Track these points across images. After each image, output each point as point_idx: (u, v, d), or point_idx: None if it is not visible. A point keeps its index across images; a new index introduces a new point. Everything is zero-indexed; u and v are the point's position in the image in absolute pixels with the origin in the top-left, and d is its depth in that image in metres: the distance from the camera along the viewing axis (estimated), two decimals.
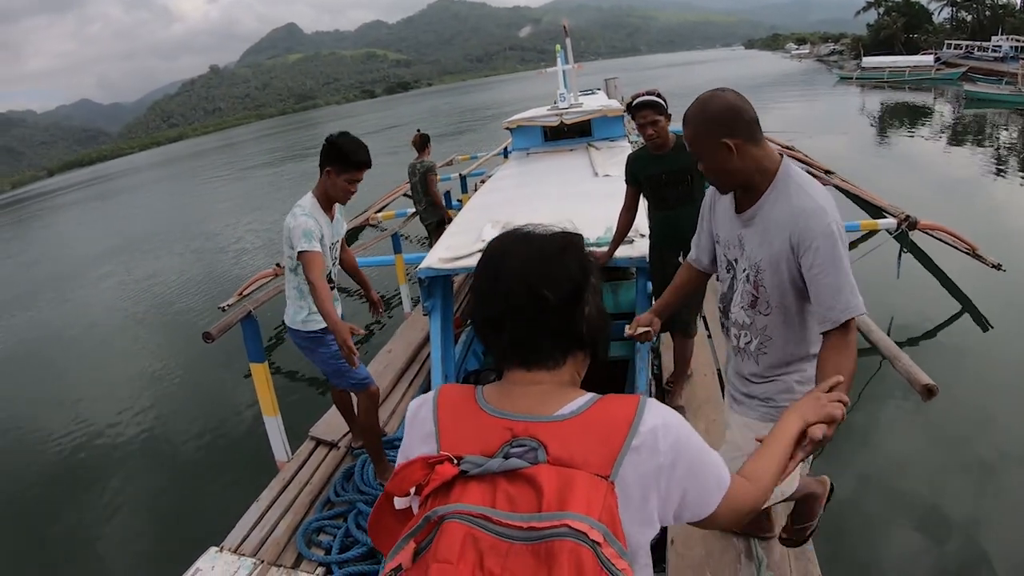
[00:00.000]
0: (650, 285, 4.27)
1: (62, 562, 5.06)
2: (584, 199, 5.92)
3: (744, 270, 2.15)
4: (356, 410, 3.97)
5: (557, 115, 9.61)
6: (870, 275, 7.19)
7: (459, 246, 4.67)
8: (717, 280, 2.41)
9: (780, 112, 26.20)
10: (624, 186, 4.21)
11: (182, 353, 9.24)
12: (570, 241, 1.23)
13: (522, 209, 5.68)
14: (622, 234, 4.18)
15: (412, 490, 1.10)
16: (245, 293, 8.80)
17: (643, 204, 4.20)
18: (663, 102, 3.93)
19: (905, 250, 7.74)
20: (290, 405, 5.71)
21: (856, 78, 41.12)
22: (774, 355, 2.19)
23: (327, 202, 3.51)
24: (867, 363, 5.61)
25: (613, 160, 7.36)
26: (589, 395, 1.17)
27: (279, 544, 3.59)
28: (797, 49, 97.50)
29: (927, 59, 41.79)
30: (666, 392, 4.66)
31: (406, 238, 10.94)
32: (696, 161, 2.07)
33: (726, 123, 1.95)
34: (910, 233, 7.64)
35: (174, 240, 19.60)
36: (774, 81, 45.77)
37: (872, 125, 23.46)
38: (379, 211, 13.19)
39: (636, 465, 1.08)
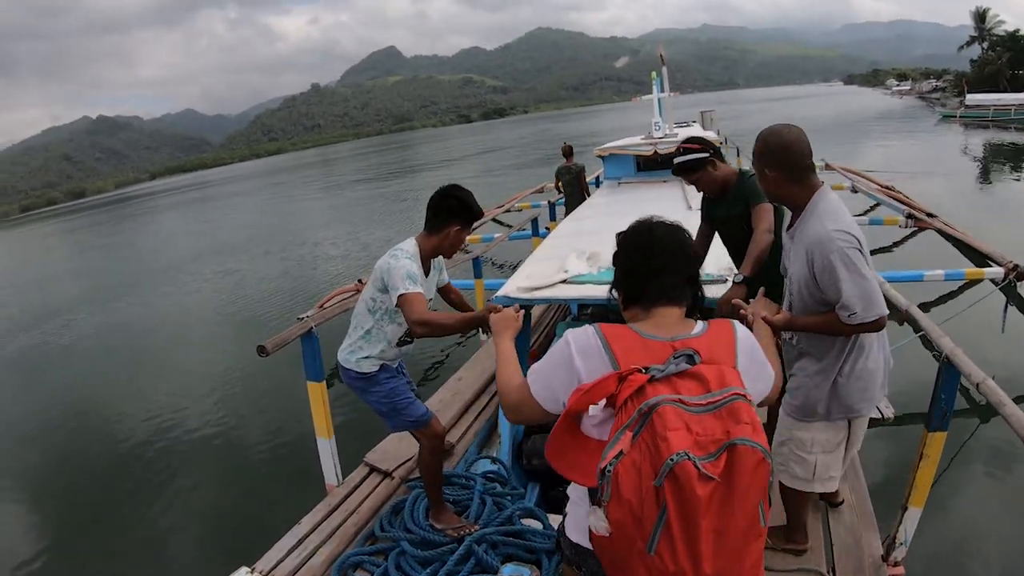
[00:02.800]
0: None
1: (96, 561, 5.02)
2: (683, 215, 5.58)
3: (789, 277, 2.61)
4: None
5: (651, 144, 9.31)
6: (973, 327, 6.69)
7: (540, 275, 4.40)
8: None
9: (880, 150, 25.25)
10: None
11: (251, 361, 9.18)
12: (683, 226, 1.88)
13: (609, 239, 5.34)
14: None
15: (603, 401, 1.57)
16: (326, 306, 8.64)
17: None
18: (697, 157, 3.64)
19: (1012, 303, 7.12)
20: (347, 425, 5.51)
21: (960, 116, 39.50)
22: (808, 357, 2.62)
23: (431, 255, 3.29)
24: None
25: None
26: (702, 321, 1.78)
27: (313, 574, 3.34)
28: (898, 86, 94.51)
29: None
30: None
31: (489, 263, 10.75)
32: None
33: (772, 156, 2.47)
34: (1018, 284, 6.98)
35: (267, 247, 20.15)
36: (874, 118, 44.52)
37: (976, 166, 22.32)
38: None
39: (742, 358, 1.72)
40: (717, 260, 4.16)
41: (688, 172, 3.69)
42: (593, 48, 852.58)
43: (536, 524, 3.54)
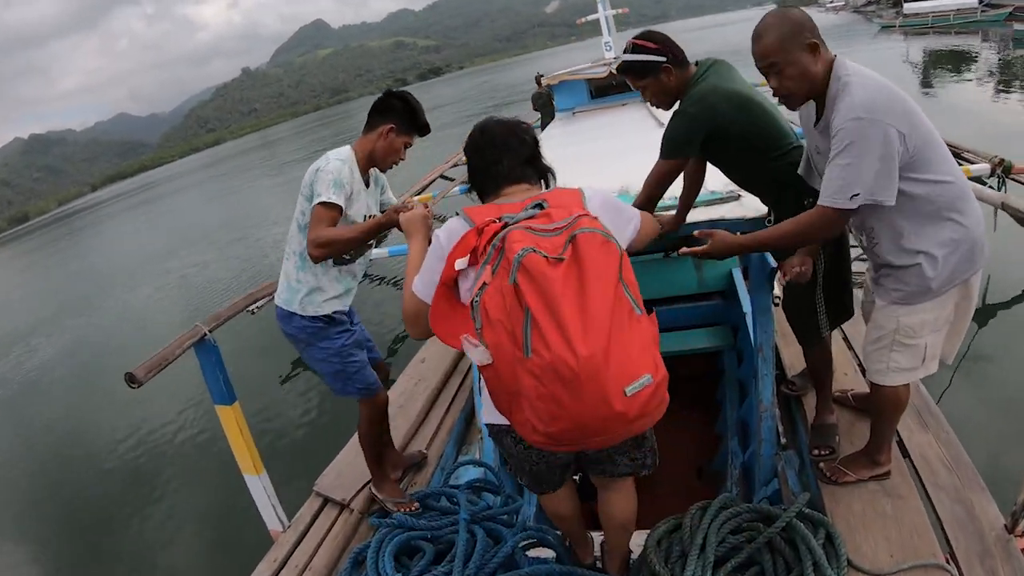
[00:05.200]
0: (770, 256, 2.97)
1: None
2: (652, 152, 4.65)
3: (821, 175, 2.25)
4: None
5: (605, 65, 8.42)
6: None
7: None
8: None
9: None
10: None
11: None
12: (519, 119, 2.14)
13: (577, 170, 4.46)
14: (691, 190, 3.02)
15: (468, 257, 1.73)
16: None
17: None
18: (648, 59, 2.63)
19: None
20: (287, 438, 4.52)
21: (899, 25, 39.12)
22: (886, 242, 2.27)
23: (367, 163, 2.85)
24: None
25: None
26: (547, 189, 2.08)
27: None
28: (832, 2, 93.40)
29: (972, 1, 39.34)
30: (793, 402, 3.42)
31: (439, 221, 9.78)
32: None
33: (809, 27, 2.12)
34: (1006, 179, 6.20)
35: (218, 241, 19.73)
36: None
37: (918, 73, 21.91)
38: (417, 194, 12.07)
39: (592, 203, 1.90)
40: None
41: (634, 75, 2.70)
42: None
43: (547, 553, 2.70)
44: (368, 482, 3.22)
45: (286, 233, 2.86)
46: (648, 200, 2.80)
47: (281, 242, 3.02)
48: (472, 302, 1.66)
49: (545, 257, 1.59)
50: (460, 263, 1.73)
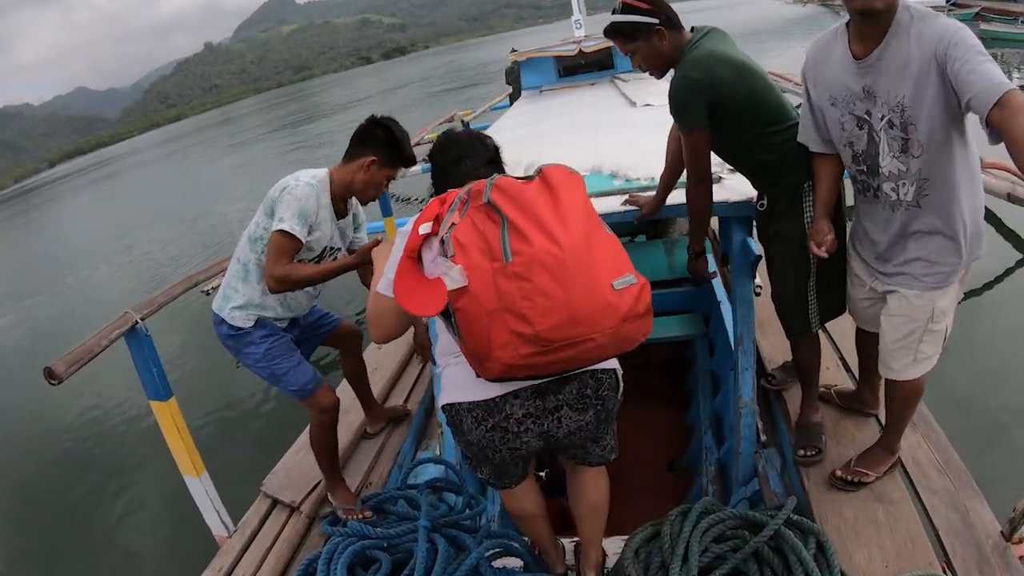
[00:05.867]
0: (754, 243, 2.75)
1: None
2: (627, 131, 4.50)
3: (883, 117, 2.07)
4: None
5: (574, 43, 8.20)
6: None
7: None
8: (844, 146, 2.25)
9: (783, 60, 24.69)
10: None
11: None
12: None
13: (547, 146, 4.27)
14: (673, 171, 2.73)
15: (431, 223, 1.73)
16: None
17: None
18: (640, 20, 2.37)
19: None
20: (233, 433, 4.21)
21: None
22: (935, 197, 2.09)
23: (344, 192, 2.68)
24: None
25: (650, 90, 5.86)
26: None
27: None
28: None
29: (939, 0, 39.87)
30: (773, 397, 3.25)
31: (397, 198, 9.46)
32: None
33: None
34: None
35: (180, 218, 19.17)
36: (775, 28, 42.64)
37: None
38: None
39: None
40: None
41: (624, 38, 2.43)
42: None
43: (514, 563, 2.51)
44: (319, 482, 3.00)
45: (253, 210, 2.63)
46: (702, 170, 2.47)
47: (247, 217, 2.77)
48: (442, 239, 1.66)
49: (516, 178, 1.75)
50: (424, 227, 1.73)
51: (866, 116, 2.13)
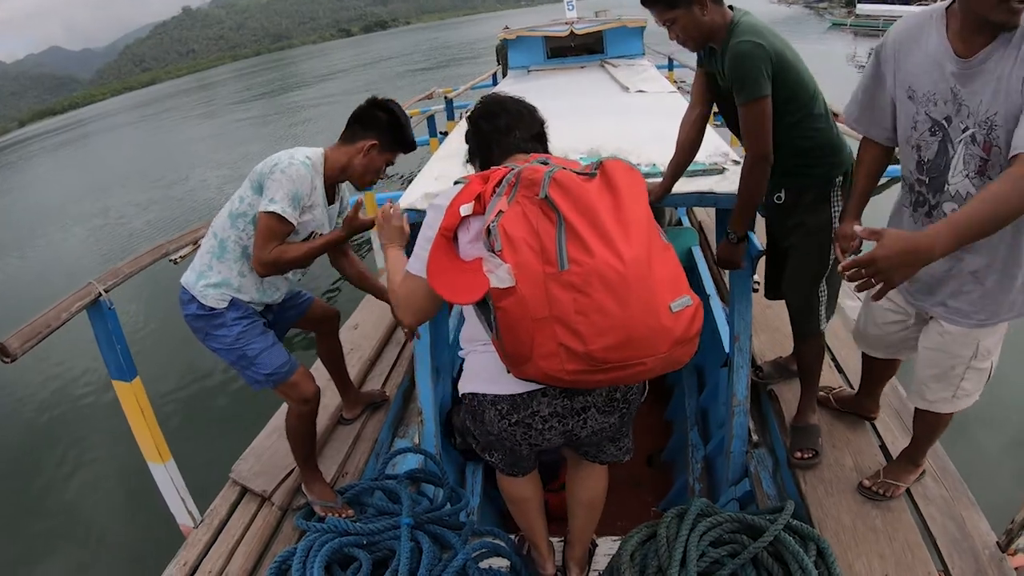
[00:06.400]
0: (755, 238, 2.64)
1: None
2: (622, 116, 4.41)
3: (966, 130, 1.78)
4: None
5: (566, 25, 8.07)
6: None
7: (450, 174, 3.07)
8: (912, 147, 1.98)
9: None
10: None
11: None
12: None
13: None
14: (685, 157, 2.60)
15: (472, 203, 1.59)
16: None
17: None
18: None
19: None
20: (212, 422, 4.03)
21: (850, 25, 38.76)
22: (1000, 231, 1.64)
23: (337, 175, 2.54)
24: None
25: (641, 76, 5.85)
26: None
27: None
28: None
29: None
30: (764, 396, 3.16)
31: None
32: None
33: None
34: None
35: (153, 182, 18.62)
36: None
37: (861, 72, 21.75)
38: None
39: None
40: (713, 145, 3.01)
41: (663, 6, 2.25)
42: None
43: (502, 563, 2.40)
44: (292, 470, 2.84)
45: (232, 177, 2.45)
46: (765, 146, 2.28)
47: (227, 184, 2.59)
48: (488, 227, 1.51)
49: (575, 173, 1.57)
50: (465, 208, 1.59)
51: (943, 122, 1.87)
